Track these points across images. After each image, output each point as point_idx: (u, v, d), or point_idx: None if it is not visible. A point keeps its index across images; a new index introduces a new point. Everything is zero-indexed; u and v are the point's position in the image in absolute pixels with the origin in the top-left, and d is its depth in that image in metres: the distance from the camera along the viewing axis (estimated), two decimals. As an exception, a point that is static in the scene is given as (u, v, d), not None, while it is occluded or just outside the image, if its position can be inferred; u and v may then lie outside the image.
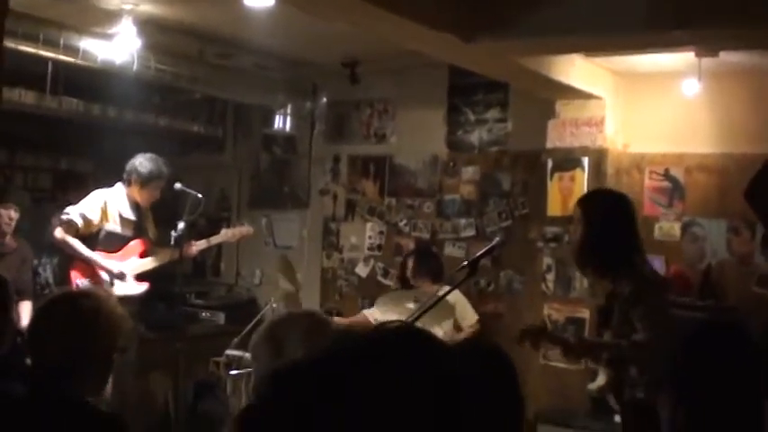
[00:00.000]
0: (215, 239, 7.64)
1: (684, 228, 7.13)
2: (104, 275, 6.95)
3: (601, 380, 5.09)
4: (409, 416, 1.04)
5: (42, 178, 10.10)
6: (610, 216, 4.78)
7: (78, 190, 7.45)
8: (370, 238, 8.90)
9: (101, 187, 7.18)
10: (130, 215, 7.09)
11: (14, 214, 7.76)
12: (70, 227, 6.89)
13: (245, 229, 8.00)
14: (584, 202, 4.99)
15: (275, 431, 1.07)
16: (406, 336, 1.16)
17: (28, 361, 3.02)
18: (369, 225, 8.92)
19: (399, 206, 8.72)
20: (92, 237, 6.99)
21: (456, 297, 7.29)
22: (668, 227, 7.17)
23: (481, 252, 4.83)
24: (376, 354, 1.10)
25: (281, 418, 1.07)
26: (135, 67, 7.23)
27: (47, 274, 8.60)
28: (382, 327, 1.21)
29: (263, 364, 3.01)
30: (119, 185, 7.11)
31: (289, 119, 8.88)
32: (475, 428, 1.13)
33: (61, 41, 6.88)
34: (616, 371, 4.82)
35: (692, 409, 2.23)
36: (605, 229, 4.72)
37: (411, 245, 8.51)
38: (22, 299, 7.48)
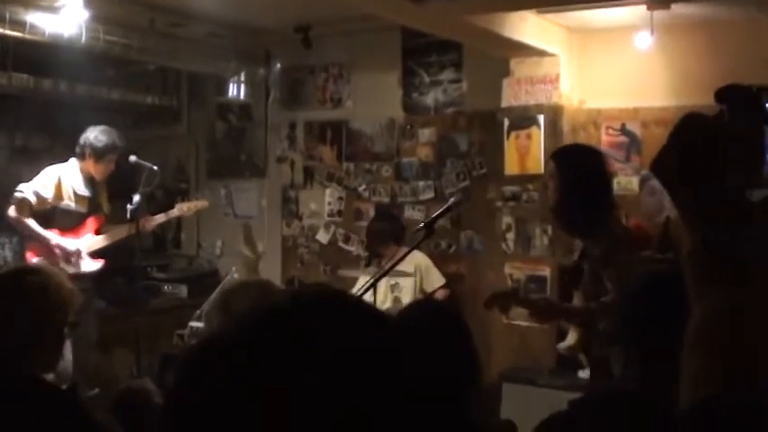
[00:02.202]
0: (171, 214, 7.58)
1: (642, 181, 7.12)
2: (60, 253, 6.87)
3: (571, 339, 5.08)
4: (326, 395, 1.00)
5: (-4, 156, 9.98)
6: (582, 171, 4.72)
7: (33, 166, 7.34)
8: (329, 204, 8.87)
9: (57, 162, 7.10)
10: (84, 191, 7.02)
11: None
12: (23, 204, 6.80)
13: (200, 203, 7.99)
14: (558, 155, 4.94)
15: (190, 419, 1.04)
16: (323, 303, 1.12)
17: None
18: (328, 191, 8.88)
19: (358, 171, 8.69)
20: (46, 214, 6.91)
21: (419, 261, 7.29)
22: (626, 181, 7.17)
23: (438, 212, 4.84)
24: (284, 328, 1.06)
25: (196, 405, 1.03)
26: (83, 39, 7.12)
27: (5, 252, 8.51)
28: (298, 292, 1.18)
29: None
30: (72, 161, 7.02)
31: (243, 87, 8.81)
32: (418, 392, 1.09)
33: (7, 15, 6.75)
34: (585, 331, 4.84)
35: (641, 362, 2.23)
36: (577, 183, 4.66)
37: (371, 210, 8.49)
38: (-21, 278, 7.40)
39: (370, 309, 1.15)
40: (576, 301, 5.05)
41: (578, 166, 4.74)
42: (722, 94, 1.67)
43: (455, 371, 2.60)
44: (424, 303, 3.13)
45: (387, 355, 1.08)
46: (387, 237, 7.42)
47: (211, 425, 1.00)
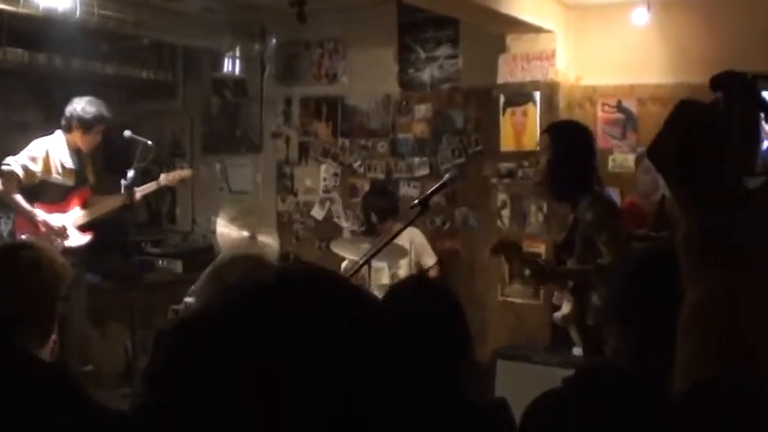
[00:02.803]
0: (154, 185, 7.49)
1: (638, 159, 7.12)
2: (45, 230, 6.82)
3: (566, 308, 5.18)
4: (311, 378, 0.99)
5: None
6: (576, 144, 5.09)
7: (28, 141, 7.31)
8: (324, 180, 8.86)
9: (44, 134, 7.05)
10: (71, 164, 6.97)
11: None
12: (12, 178, 6.72)
13: (185, 172, 7.97)
14: (552, 129, 5.33)
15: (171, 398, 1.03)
16: (309, 280, 1.10)
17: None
18: (323, 167, 8.87)
19: (353, 147, 8.67)
20: (33, 188, 6.86)
21: (413, 237, 7.28)
22: (622, 159, 7.16)
23: (432, 189, 4.84)
24: (267, 307, 1.05)
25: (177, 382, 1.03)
26: (78, 13, 7.08)
27: (1, 227, 8.49)
28: (284, 269, 1.16)
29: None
30: (58, 133, 6.96)
31: (238, 62, 8.78)
32: (408, 369, 1.08)
33: (1, -11, 6.73)
34: (579, 298, 4.92)
35: (635, 340, 2.22)
36: (571, 155, 5.01)
37: (366, 186, 8.48)
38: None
39: (355, 287, 1.15)
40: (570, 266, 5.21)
41: (572, 139, 5.13)
42: (718, 81, 1.67)
43: (446, 347, 2.59)
44: (415, 280, 3.11)
45: (372, 331, 1.07)
46: (381, 212, 7.40)
47: (198, 400, 1.00)
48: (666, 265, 2.28)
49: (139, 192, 7.17)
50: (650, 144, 1.66)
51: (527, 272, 5.79)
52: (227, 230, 6.90)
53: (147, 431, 1.06)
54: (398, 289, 2.87)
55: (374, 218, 7.42)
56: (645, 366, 2.22)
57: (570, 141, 5.09)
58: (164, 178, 7.57)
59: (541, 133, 5.48)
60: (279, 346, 1.00)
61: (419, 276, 4.92)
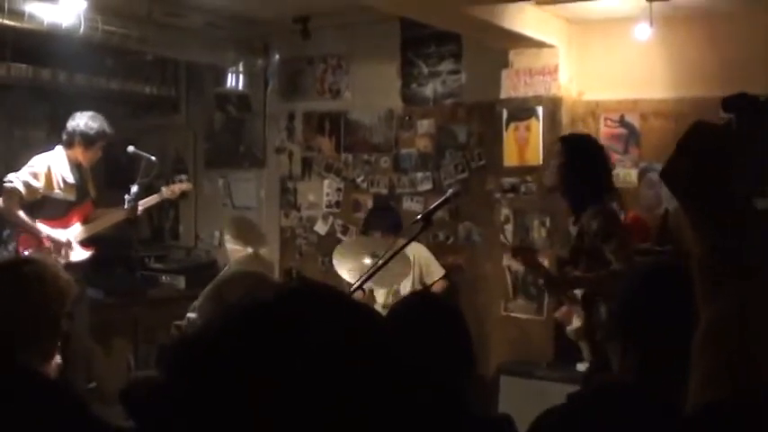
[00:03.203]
0: (156, 198, 7.49)
1: (641, 174, 7.13)
2: (50, 245, 6.82)
3: (577, 322, 5.17)
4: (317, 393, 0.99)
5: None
6: (590, 154, 5.25)
7: (32, 156, 7.31)
8: (327, 195, 8.86)
9: (45, 150, 7.05)
10: (72, 179, 6.96)
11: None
12: (13, 195, 6.71)
13: (185, 185, 7.95)
14: (569, 138, 5.55)
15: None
16: (306, 295, 1.11)
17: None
18: (326, 182, 8.87)
19: (356, 162, 8.67)
20: (34, 203, 6.85)
21: (418, 252, 7.27)
22: (625, 173, 7.16)
23: (435, 204, 4.84)
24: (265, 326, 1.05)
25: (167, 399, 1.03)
26: (82, 29, 7.11)
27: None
28: (283, 285, 1.17)
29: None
30: (59, 148, 6.96)
31: (241, 77, 8.80)
32: (408, 383, 1.08)
33: (5, 5, 6.76)
34: (588, 312, 4.91)
35: (639, 356, 2.22)
36: (585, 164, 5.15)
37: (369, 201, 8.49)
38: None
39: (354, 301, 1.15)
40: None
41: (584, 147, 5.32)
42: (730, 103, 1.68)
43: (449, 361, 2.59)
44: (418, 295, 3.12)
45: (372, 344, 1.07)
46: (383, 228, 7.36)
47: (197, 416, 1.00)
48: (670, 281, 2.29)
49: (141, 205, 7.17)
50: (663, 165, 1.67)
51: (540, 281, 5.82)
52: (235, 246, 6.89)
53: None
54: (402, 304, 2.87)
55: (377, 236, 7.39)
56: (648, 383, 2.21)
57: (582, 152, 5.22)
58: (165, 191, 7.58)
59: (557, 140, 5.63)
60: (277, 361, 1.00)
61: (423, 292, 4.93)
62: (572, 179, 5.12)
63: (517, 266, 6.96)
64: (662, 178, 1.74)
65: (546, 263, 7.03)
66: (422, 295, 3.16)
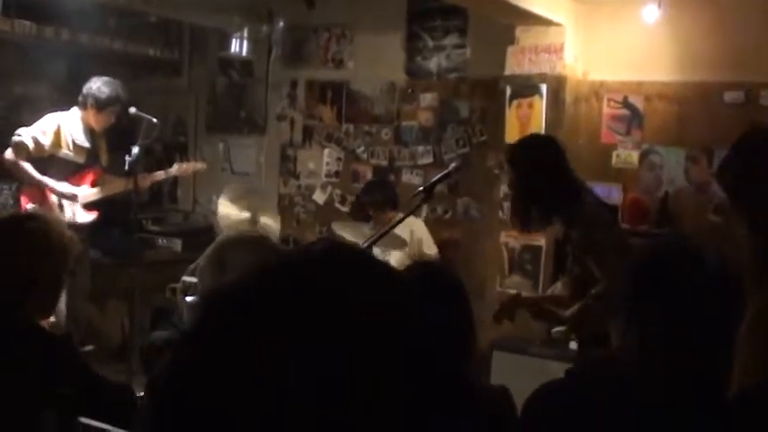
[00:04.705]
0: (169, 172, 7.56)
1: (642, 156, 7.13)
2: (55, 199, 6.85)
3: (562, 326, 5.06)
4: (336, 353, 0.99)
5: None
6: (537, 164, 4.68)
7: (33, 114, 7.30)
8: (327, 164, 8.86)
9: (55, 111, 7.05)
10: (84, 142, 6.98)
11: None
12: (20, 149, 6.75)
13: (198, 165, 7.97)
14: (511, 153, 4.94)
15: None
16: (335, 256, 1.11)
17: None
18: (326, 151, 8.86)
19: (357, 132, 8.67)
20: (42, 162, 6.87)
21: (415, 226, 7.27)
22: (626, 155, 7.16)
23: (437, 177, 4.82)
24: (299, 282, 1.05)
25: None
26: (87, -12, 7.09)
27: (3, 198, 8.49)
28: (308, 247, 1.16)
29: (207, 286, 2.97)
30: (74, 110, 6.98)
31: (245, 43, 8.77)
32: (420, 352, 1.09)
33: (12, -37, 6.74)
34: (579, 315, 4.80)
35: (642, 335, 2.23)
36: (535, 179, 4.65)
37: (369, 172, 8.49)
38: (-22, 224, 7.41)
39: (384, 264, 1.15)
40: (561, 288, 5.07)
41: (530, 158, 4.74)
42: None
43: (451, 331, 2.60)
44: (422, 265, 3.11)
45: (398, 311, 1.07)
46: (378, 203, 7.36)
47: (231, 374, 0.99)
48: (676, 259, 2.29)
49: (148, 180, 7.24)
50: (719, 166, 1.70)
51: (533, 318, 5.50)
52: (227, 211, 6.89)
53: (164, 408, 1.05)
54: (410, 272, 2.86)
55: (371, 211, 7.40)
56: (649, 361, 2.22)
57: (527, 166, 4.71)
58: (176, 169, 7.60)
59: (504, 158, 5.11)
60: (317, 326, 1.00)
61: (427, 262, 4.86)
62: (532, 200, 4.68)
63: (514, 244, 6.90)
64: (717, 178, 1.78)
65: (543, 242, 7.07)
66: (426, 265, 3.14)
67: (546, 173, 4.65)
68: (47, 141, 6.82)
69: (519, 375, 6.10)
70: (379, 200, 7.36)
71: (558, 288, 5.31)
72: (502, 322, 5.12)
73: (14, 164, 6.78)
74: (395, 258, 6.99)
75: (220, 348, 1.00)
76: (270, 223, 7.09)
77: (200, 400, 0.99)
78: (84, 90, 6.93)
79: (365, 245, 5.01)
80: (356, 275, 1.07)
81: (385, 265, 1.15)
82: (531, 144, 5.06)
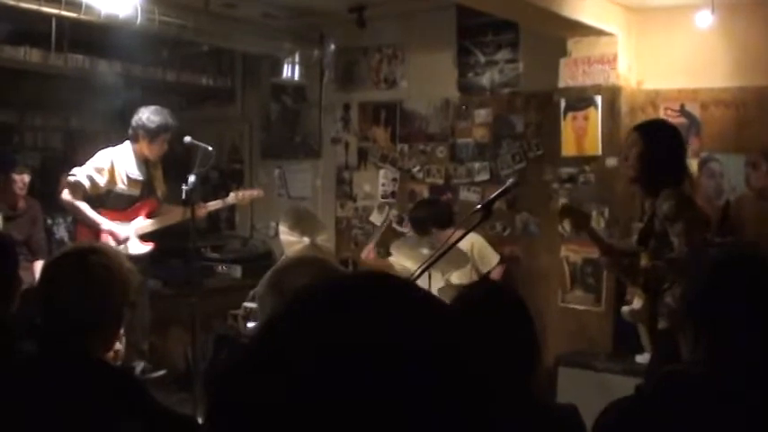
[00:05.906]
0: (226, 201, 7.58)
1: (702, 164, 7.04)
2: (109, 239, 6.87)
3: (636, 304, 5.07)
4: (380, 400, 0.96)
5: (52, 138, 10.05)
6: (668, 140, 5.09)
7: (89, 148, 7.37)
8: (383, 185, 8.86)
9: (111, 145, 7.10)
10: (138, 175, 7.00)
11: (27, 178, 7.83)
12: (77, 189, 6.79)
13: (255, 192, 7.97)
14: (645, 126, 5.31)
15: None
16: (379, 289, 1.07)
17: (37, 319, 2.98)
18: (381, 172, 8.87)
19: (412, 152, 8.66)
20: (99, 197, 6.91)
21: (472, 242, 7.19)
22: (685, 163, 7.08)
23: (495, 194, 4.77)
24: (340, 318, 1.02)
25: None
26: (139, 20, 7.15)
27: (61, 233, 8.59)
28: (350, 278, 1.13)
29: (266, 312, 2.95)
30: (126, 144, 7.01)
31: (297, 68, 8.80)
32: (478, 377, 1.05)
33: (63, -3, 6.81)
34: (652, 297, 4.85)
35: (710, 347, 2.18)
36: (664, 151, 5.00)
37: (425, 191, 8.47)
38: (37, 258, 7.52)
39: (433, 298, 1.12)
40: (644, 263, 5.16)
41: (664, 136, 5.13)
42: None
43: (517, 353, 2.56)
44: (486, 284, 3.08)
45: (447, 345, 1.04)
46: (428, 223, 7.27)
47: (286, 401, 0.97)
48: (744, 269, 2.24)
49: (205, 209, 7.27)
50: None
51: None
52: (288, 238, 6.88)
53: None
54: (467, 294, 2.83)
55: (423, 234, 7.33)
56: (720, 373, 2.17)
57: (660, 135, 5.10)
58: (233, 197, 7.61)
59: (630, 131, 5.41)
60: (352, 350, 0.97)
61: (486, 282, 4.85)
62: (652, 167, 4.99)
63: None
64: None
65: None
66: (486, 286, 3.12)
67: (677, 149, 5.09)
68: (102, 180, 6.85)
69: (585, 391, 6.04)
70: (427, 219, 7.27)
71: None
72: (564, 220, 5.86)
73: (71, 203, 6.83)
74: (457, 277, 6.95)
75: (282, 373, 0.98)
76: (328, 246, 7.07)
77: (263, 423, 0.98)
78: (134, 122, 6.95)
79: (427, 263, 4.99)
80: (402, 306, 1.04)
81: (432, 296, 1.12)
82: (667, 125, 5.50)
